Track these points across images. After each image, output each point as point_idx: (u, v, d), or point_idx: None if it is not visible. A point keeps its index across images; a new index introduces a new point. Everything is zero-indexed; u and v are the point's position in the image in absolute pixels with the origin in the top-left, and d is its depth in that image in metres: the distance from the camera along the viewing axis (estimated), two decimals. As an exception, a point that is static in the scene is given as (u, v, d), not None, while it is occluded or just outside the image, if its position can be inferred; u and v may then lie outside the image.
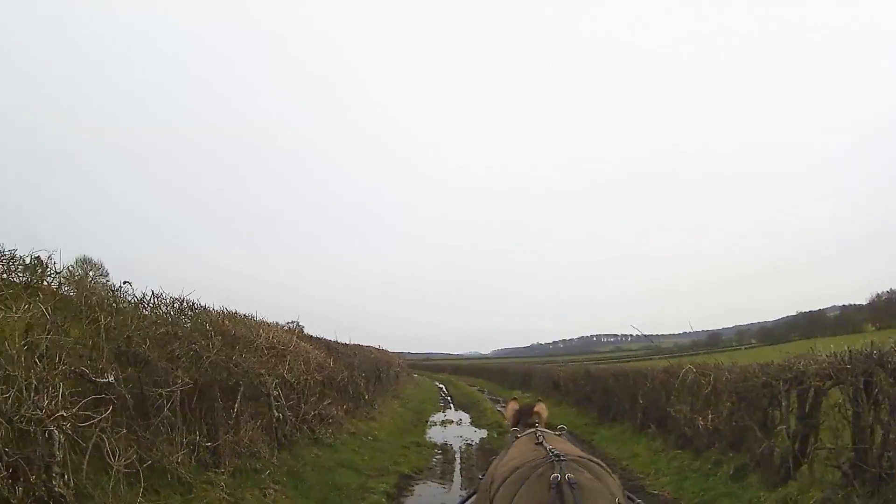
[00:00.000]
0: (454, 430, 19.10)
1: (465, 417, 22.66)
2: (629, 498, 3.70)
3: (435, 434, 17.82)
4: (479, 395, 32.77)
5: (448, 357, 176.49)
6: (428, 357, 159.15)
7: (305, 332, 17.60)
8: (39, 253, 7.18)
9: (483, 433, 17.92)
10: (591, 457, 3.31)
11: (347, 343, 21.50)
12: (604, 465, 3.21)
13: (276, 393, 10.69)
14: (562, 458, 3.08)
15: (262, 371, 10.26)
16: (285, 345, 12.19)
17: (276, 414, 10.58)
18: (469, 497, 4.78)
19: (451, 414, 24.30)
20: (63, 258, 7.45)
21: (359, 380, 18.16)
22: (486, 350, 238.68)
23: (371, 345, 36.53)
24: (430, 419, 21.83)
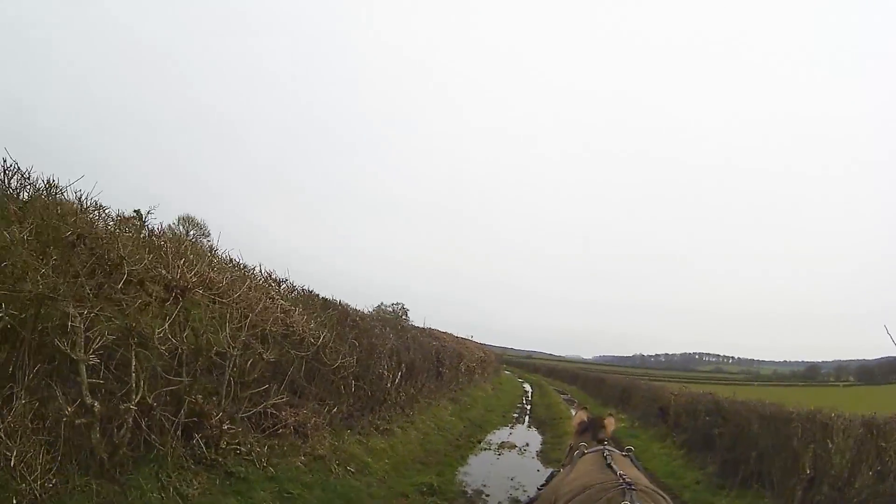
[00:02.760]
0: (510, 462, 13.50)
1: (536, 441, 17.00)
2: None
3: (476, 469, 12.32)
4: (565, 408, 26.71)
5: (549, 357, 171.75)
6: (530, 355, 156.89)
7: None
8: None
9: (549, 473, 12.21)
10: (658, 489, 3.18)
11: (392, 319, 16.65)
12: (669, 499, 3.12)
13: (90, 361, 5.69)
14: (633, 486, 3.01)
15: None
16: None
17: (89, 401, 5.62)
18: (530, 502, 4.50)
19: (520, 432, 18.70)
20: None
21: (382, 370, 12.99)
22: (587, 355, 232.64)
23: (452, 333, 31.90)
24: (487, 438, 16.39)
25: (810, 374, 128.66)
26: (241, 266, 10.95)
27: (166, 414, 6.58)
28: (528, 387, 43.95)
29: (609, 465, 3.56)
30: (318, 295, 13.39)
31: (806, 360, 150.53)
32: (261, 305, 8.72)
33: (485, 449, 14.80)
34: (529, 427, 20.26)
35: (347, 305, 13.85)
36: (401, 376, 14.47)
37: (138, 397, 6.08)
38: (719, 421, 13.38)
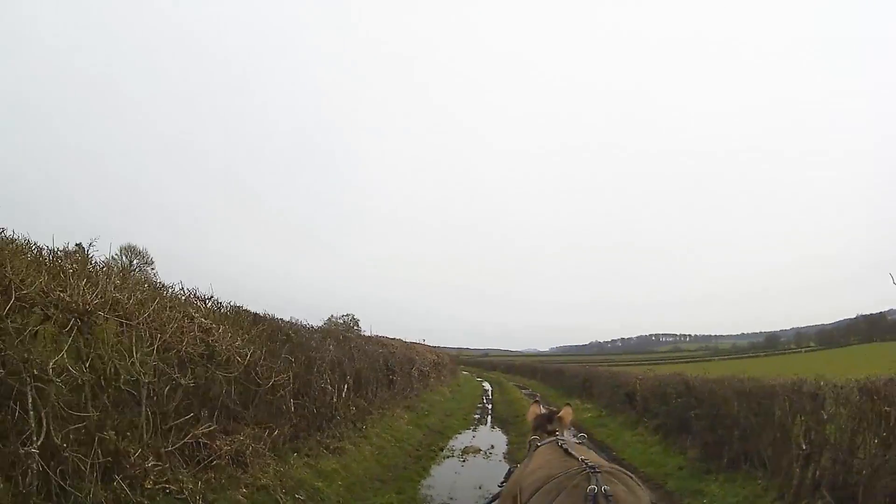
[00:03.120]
0: (476, 468, 12.40)
1: (502, 441, 15.97)
2: None
3: (440, 480, 11.22)
4: (527, 403, 25.65)
5: (506, 354, 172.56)
6: (486, 353, 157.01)
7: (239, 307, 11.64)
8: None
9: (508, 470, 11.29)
10: (621, 468, 3.22)
11: (340, 330, 15.40)
12: (634, 476, 3.15)
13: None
14: (596, 469, 3.04)
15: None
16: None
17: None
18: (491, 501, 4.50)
19: (483, 434, 17.65)
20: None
21: (325, 384, 11.78)
22: (544, 347, 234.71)
23: (401, 338, 30.67)
24: (449, 444, 15.29)
25: (770, 344, 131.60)
26: (158, 285, 9.66)
27: (79, 455, 5.42)
28: (487, 385, 42.98)
29: (567, 452, 3.58)
30: (247, 311, 12.07)
31: (764, 330, 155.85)
32: (174, 325, 7.47)
33: (448, 456, 13.70)
34: (493, 428, 19.20)
35: (280, 319, 12.53)
36: (347, 389, 13.28)
37: (41, 438, 5.02)
38: (693, 402, 12.61)
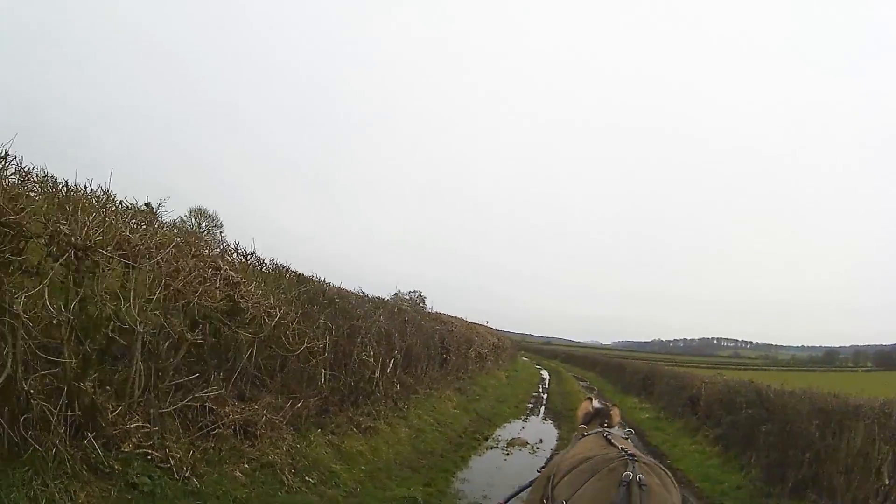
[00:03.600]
0: (519, 463, 11.50)
1: (552, 435, 14.99)
2: None
3: (478, 474, 10.42)
4: (584, 396, 24.41)
5: (568, 343, 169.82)
6: (549, 341, 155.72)
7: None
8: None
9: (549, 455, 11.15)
10: (659, 463, 3.26)
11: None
12: (670, 474, 3.16)
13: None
14: (636, 458, 3.07)
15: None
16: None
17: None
18: (523, 489, 4.47)
19: (534, 426, 16.74)
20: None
21: (367, 357, 11.11)
22: (606, 340, 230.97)
23: (465, 318, 29.88)
24: (495, 433, 14.48)
25: (828, 359, 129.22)
26: (190, 232, 9.12)
27: (47, 406, 4.80)
28: (545, 374, 41.88)
29: (609, 442, 3.60)
30: (291, 270, 11.50)
31: (823, 345, 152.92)
32: (193, 273, 6.80)
33: (491, 447, 12.89)
34: (545, 419, 18.26)
35: (327, 283, 11.89)
36: (393, 364, 12.56)
37: (2, 378, 4.43)
38: (763, 415, 11.36)
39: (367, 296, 14.83)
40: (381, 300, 15.35)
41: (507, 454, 12.36)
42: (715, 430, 13.93)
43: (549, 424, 17.13)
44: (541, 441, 13.77)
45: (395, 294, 49.84)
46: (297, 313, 9.11)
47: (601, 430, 4.10)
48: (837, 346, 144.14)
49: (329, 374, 10.04)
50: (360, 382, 10.89)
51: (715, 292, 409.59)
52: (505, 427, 15.74)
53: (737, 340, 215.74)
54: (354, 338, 10.92)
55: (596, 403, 5.10)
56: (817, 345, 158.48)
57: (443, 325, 19.75)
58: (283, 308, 8.56)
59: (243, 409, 7.29)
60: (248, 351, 7.79)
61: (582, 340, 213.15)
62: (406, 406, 12.61)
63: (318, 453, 8.09)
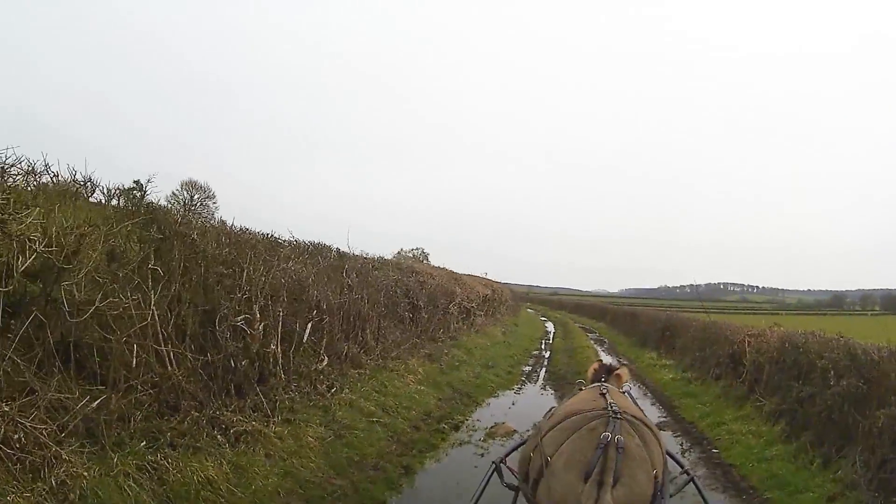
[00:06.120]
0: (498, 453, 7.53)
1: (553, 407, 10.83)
2: (674, 459, 3.95)
3: (430, 494, 6.65)
4: (593, 353, 20.32)
5: (575, 293, 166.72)
6: (555, 292, 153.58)
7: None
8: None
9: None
10: (646, 419, 3.31)
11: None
12: (655, 428, 3.26)
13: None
14: (619, 415, 3.07)
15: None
16: None
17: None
18: (524, 442, 4.35)
19: (528, 398, 12.86)
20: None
21: (239, 322, 7.25)
22: (613, 288, 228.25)
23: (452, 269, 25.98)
24: (475, 416, 10.68)
25: (835, 303, 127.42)
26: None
27: None
28: (550, 326, 37.95)
29: (602, 395, 3.52)
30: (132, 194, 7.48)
31: (830, 289, 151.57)
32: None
33: (462, 442, 9.00)
34: (544, 388, 14.20)
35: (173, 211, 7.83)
36: (310, 330, 8.52)
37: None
38: (862, 389, 7.32)
39: (286, 240, 10.65)
40: (299, 244, 11.13)
41: (484, 452, 8.41)
42: (772, 400, 9.91)
43: (550, 395, 13.14)
44: (534, 425, 9.61)
45: (398, 252, 47.40)
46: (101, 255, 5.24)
47: (599, 384, 4.00)
48: (843, 290, 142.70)
49: (175, 352, 6.10)
50: (235, 361, 6.85)
51: (720, 237, 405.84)
52: (489, 404, 11.80)
53: (743, 285, 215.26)
54: (226, 294, 6.86)
55: (605, 362, 5.02)
56: (824, 288, 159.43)
57: (412, 276, 15.66)
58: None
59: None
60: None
61: (589, 289, 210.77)
62: (334, 389, 8.62)
63: (109, 493, 4.18)
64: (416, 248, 55.88)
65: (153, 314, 5.87)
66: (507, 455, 4.48)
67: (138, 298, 5.81)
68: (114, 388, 5.44)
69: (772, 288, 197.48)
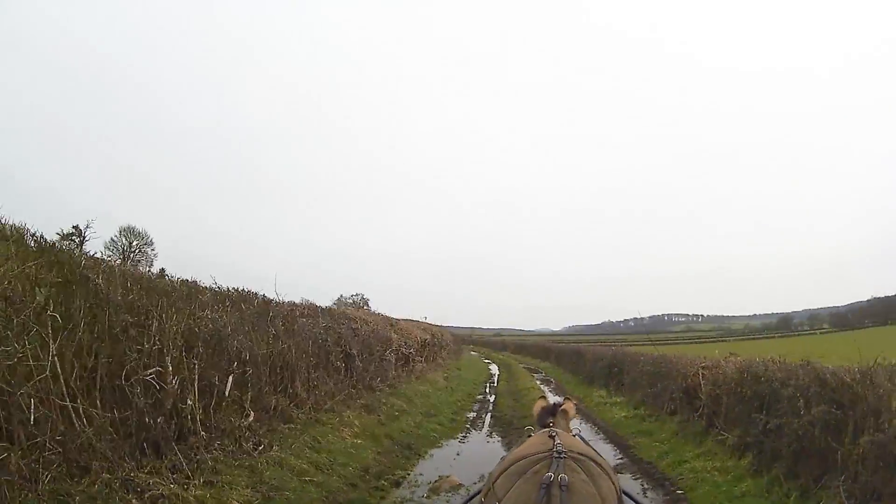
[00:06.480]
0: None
1: (500, 458, 10.14)
2: (631, 499, 3.73)
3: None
4: (538, 396, 19.64)
5: (518, 333, 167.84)
6: (499, 333, 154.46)
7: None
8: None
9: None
10: (594, 455, 3.20)
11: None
12: (605, 464, 3.15)
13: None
14: (562, 454, 2.97)
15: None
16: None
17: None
18: (478, 493, 3.87)
19: (474, 446, 12.22)
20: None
21: (153, 375, 6.44)
22: (556, 327, 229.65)
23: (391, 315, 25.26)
24: (415, 471, 9.94)
25: (783, 325, 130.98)
26: None
27: None
28: (494, 369, 37.37)
29: (551, 437, 3.34)
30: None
31: (776, 311, 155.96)
32: None
33: (405, 499, 8.23)
34: (490, 434, 13.48)
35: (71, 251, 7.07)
36: (232, 383, 7.78)
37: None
38: (838, 415, 7.04)
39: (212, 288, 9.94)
40: (234, 292, 10.41)
41: (426, 513, 7.71)
42: (734, 433, 9.56)
43: (497, 442, 12.51)
44: (482, 477, 8.92)
45: (338, 299, 46.69)
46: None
47: (549, 429, 3.81)
48: (790, 311, 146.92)
49: (81, 408, 5.43)
50: (149, 418, 6.08)
51: (663, 270, 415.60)
52: (432, 455, 11.04)
53: (688, 315, 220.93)
54: (133, 345, 6.12)
55: (551, 399, 4.99)
56: (770, 312, 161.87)
57: (346, 323, 14.92)
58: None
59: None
60: None
61: (532, 329, 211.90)
62: (262, 447, 7.84)
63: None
64: (356, 294, 55.78)
65: (55, 365, 5.17)
66: None
67: (35, 347, 5.12)
68: (16, 444, 4.74)
69: (717, 315, 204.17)
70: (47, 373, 5.18)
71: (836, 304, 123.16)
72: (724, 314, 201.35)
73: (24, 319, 5.24)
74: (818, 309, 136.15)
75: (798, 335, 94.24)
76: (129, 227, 44.47)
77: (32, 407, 4.91)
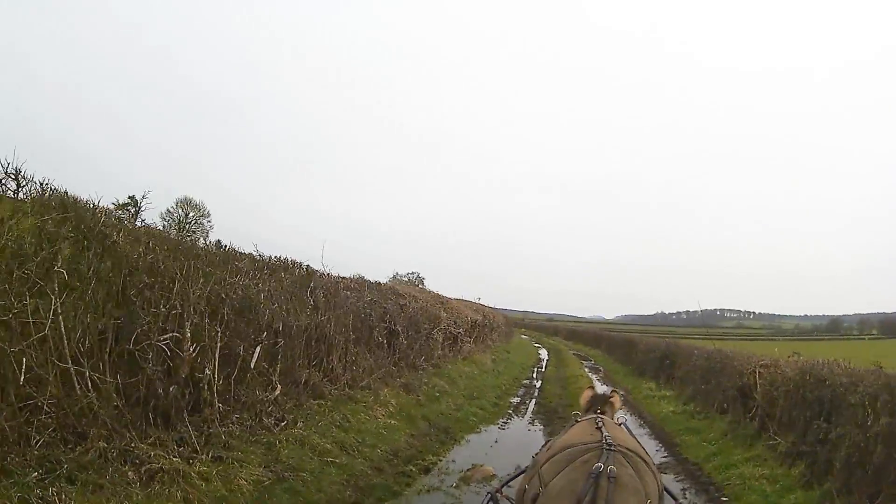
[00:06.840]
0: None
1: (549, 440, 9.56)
2: (670, 495, 3.90)
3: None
4: (586, 385, 18.85)
5: (570, 319, 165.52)
6: (551, 318, 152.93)
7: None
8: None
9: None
10: (642, 452, 3.25)
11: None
12: (650, 461, 3.21)
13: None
14: (612, 447, 3.04)
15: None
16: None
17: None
18: (523, 472, 4.06)
19: (514, 434, 11.79)
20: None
21: (165, 341, 6.19)
22: (609, 315, 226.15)
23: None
24: (449, 457, 9.51)
25: (833, 328, 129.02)
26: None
27: None
28: (543, 353, 36.74)
29: (598, 428, 3.46)
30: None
31: (827, 313, 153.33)
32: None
33: (432, 488, 7.72)
34: (532, 422, 13.00)
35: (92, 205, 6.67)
36: (260, 354, 7.41)
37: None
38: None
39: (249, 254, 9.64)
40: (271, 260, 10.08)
41: (455, 503, 7.20)
42: (788, 439, 8.78)
43: (538, 430, 11.99)
44: (518, 467, 8.37)
45: (393, 276, 46.65)
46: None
47: (594, 416, 3.90)
48: (841, 314, 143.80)
49: (84, 371, 5.13)
50: (161, 387, 5.74)
51: (717, 265, 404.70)
52: (468, 441, 10.60)
53: (739, 311, 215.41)
54: (148, 308, 5.77)
55: (598, 389, 5.02)
56: (821, 314, 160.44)
57: (388, 297, 14.48)
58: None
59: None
60: None
61: (585, 316, 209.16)
62: (284, 423, 7.46)
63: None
64: (412, 273, 55.21)
65: (58, 324, 4.83)
66: (503, 485, 4.46)
67: (35, 304, 4.83)
68: (5, 403, 4.44)
69: (768, 313, 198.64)
70: (47, 331, 4.85)
71: (886, 311, 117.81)
72: (775, 312, 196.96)
73: (26, 274, 4.92)
74: (869, 314, 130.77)
75: (847, 339, 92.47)
76: (185, 199, 44.88)
77: (24, 366, 4.58)
